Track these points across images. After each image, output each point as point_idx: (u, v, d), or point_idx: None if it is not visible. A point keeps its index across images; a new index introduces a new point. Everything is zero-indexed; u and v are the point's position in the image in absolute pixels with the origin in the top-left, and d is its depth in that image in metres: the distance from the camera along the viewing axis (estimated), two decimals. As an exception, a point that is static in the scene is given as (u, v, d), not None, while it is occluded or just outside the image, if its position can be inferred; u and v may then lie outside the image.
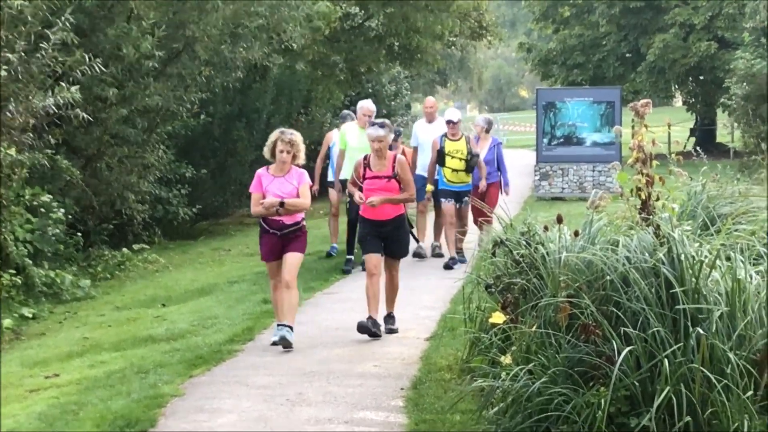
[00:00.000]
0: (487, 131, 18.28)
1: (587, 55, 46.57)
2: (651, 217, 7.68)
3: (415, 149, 18.07)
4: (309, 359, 10.78)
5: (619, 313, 6.95)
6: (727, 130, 42.98)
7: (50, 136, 16.85)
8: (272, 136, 11.56)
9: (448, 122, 16.98)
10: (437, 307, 13.44)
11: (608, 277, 7.17)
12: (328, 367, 10.41)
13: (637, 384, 6.67)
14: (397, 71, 40.44)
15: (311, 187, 12.02)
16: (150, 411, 8.90)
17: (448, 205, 16.89)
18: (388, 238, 11.84)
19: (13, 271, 15.92)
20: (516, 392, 7.08)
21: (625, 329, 6.83)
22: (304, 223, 11.69)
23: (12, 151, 14.03)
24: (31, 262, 16.41)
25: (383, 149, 11.85)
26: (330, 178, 18.02)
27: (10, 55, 14.86)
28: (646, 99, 8.18)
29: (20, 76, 15.23)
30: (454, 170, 16.84)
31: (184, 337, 12.39)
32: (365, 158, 12.09)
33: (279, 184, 11.45)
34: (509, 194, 18.02)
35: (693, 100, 47.58)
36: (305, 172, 11.69)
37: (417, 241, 13.95)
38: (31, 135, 15.69)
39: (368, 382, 9.77)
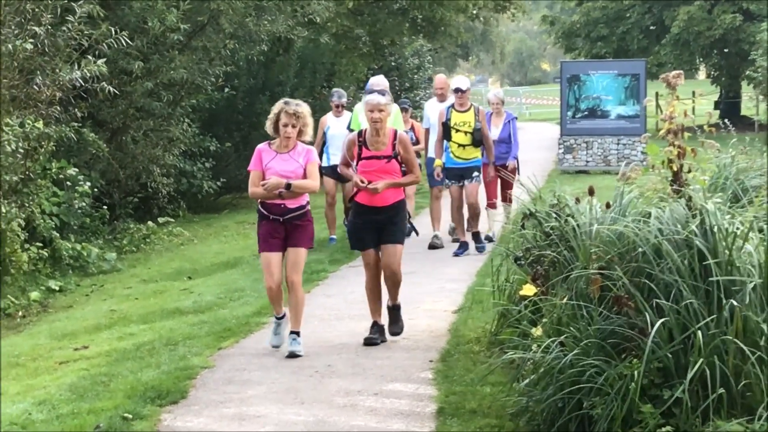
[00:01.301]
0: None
1: (611, 28, 46.36)
2: (683, 189, 7.63)
3: (428, 131, 16.86)
4: (336, 331, 10.79)
5: (652, 285, 6.92)
6: (752, 103, 42.76)
7: (76, 110, 16.86)
8: (275, 108, 9.97)
9: (456, 90, 15.39)
10: (463, 280, 13.41)
11: (640, 249, 7.13)
12: (355, 339, 10.41)
13: (670, 356, 6.63)
14: (420, 44, 40.36)
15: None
16: (180, 382, 8.93)
17: (453, 188, 15.49)
18: (384, 227, 10.22)
19: (40, 244, 16.00)
20: (547, 364, 7.06)
21: (658, 301, 6.80)
22: (309, 207, 10.12)
23: (39, 125, 14.05)
24: (58, 234, 16.51)
25: (383, 121, 10.15)
26: (324, 163, 16.57)
27: (36, 28, 14.86)
28: (676, 71, 8.13)
29: (47, 49, 15.24)
30: (460, 145, 15.35)
31: (212, 310, 12.44)
32: (360, 135, 10.35)
33: (282, 162, 9.86)
34: (512, 168, 16.44)
35: (717, 72, 47.34)
36: (313, 149, 10.15)
37: (416, 233, 11.89)
38: (59, 108, 15.72)
39: (396, 355, 9.78)
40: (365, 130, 10.35)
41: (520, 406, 7.41)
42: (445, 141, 15.50)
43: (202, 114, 24.79)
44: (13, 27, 15.00)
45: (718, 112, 42.48)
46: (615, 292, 6.99)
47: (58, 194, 17.48)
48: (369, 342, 10.19)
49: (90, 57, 15.56)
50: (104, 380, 9.28)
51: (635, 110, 28.68)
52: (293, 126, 9.81)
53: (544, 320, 7.70)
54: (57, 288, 15.72)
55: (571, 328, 7.17)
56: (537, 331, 7.65)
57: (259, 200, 10.06)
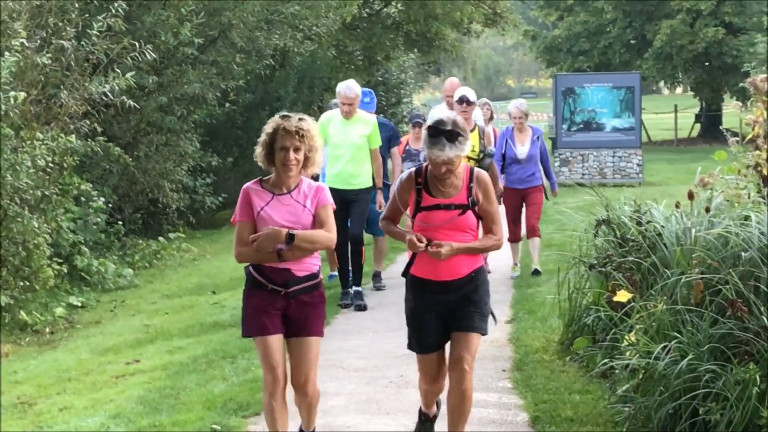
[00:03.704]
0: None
1: (592, 42, 46.59)
2: (774, 192, 7.64)
3: None
4: (396, 342, 10.57)
5: (763, 287, 6.90)
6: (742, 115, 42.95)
7: (95, 125, 16.73)
8: (268, 126, 6.75)
9: (461, 101, 12.81)
10: (501, 291, 13.28)
11: (745, 253, 7.12)
12: (417, 349, 10.30)
13: (788, 360, 6.63)
14: (404, 60, 40.34)
15: None
16: (256, 394, 8.77)
17: None
18: (457, 310, 6.82)
19: (61, 260, 15.84)
20: (659, 371, 6.95)
21: (770, 304, 6.80)
22: (321, 276, 6.99)
23: (72, 138, 13.90)
24: (87, 251, 16.43)
25: (455, 163, 6.65)
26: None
27: (64, 42, 14.74)
28: (763, 75, 8.14)
29: (72, 64, 15.12)
30: None
31: (254, 323, 12.28)
32: (418, 174, 6.87)
33: (283, 207, 6.72)
34: (557, 195, 15.15)
35: (699, 86, 47.65)
36: (325, 188, 6.91)
37: (494, 320, 9.42)
38: (88, 122, 15.58)
39: (466, 365, 9.68)
40: (426, 167, 6.87)
41: (625, 414, 7.35)
42: None
43: (202, 129, 24.68)
44: (38, 41, 14.87)
45: (698, 125, 42.65)
46: (726, 295, 6.95)
47: (73, 210, 17.30)
48: None
49: (112, 71, 15.39)
50: (172, 393, 9.17)
51: (630, 123, 28.85)
52: (296, 149, 6.64)
53: (638, 327, 7.63)
54: (79, 304, 15.57)
55: (675, 334, 7.12)
56: (630, 338, 7.59)
57: (250, 264, 6.88)
